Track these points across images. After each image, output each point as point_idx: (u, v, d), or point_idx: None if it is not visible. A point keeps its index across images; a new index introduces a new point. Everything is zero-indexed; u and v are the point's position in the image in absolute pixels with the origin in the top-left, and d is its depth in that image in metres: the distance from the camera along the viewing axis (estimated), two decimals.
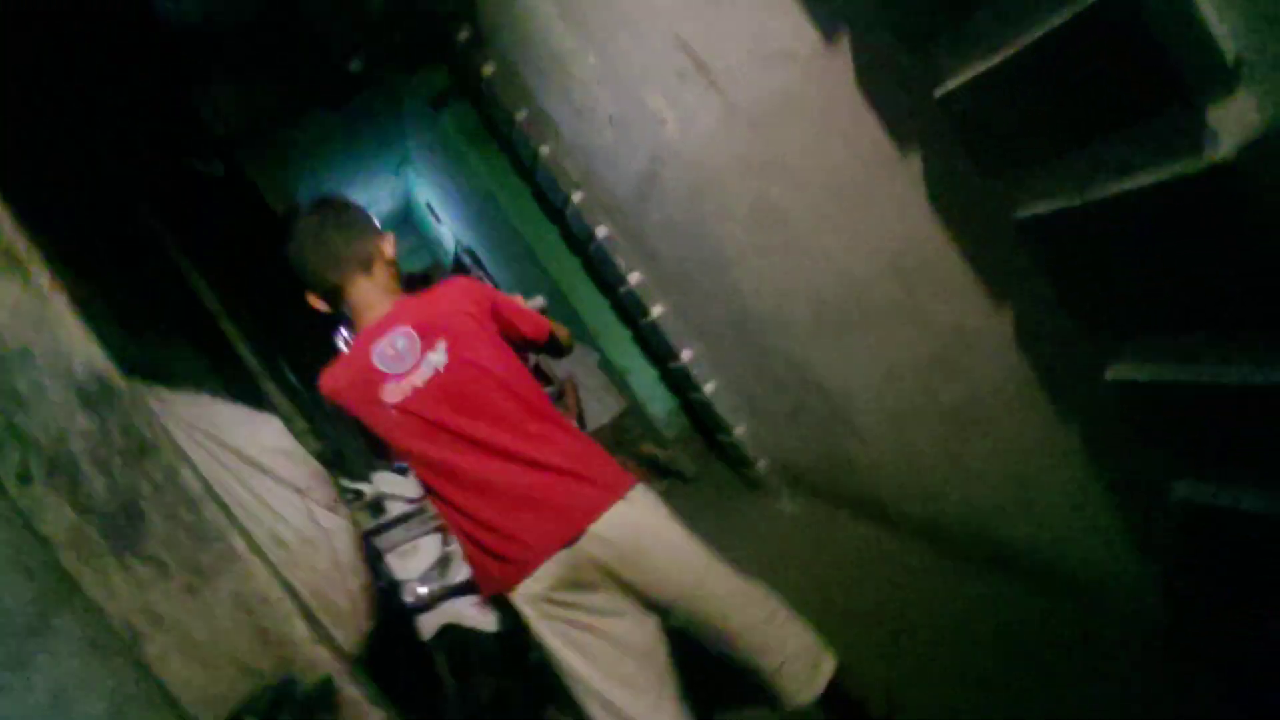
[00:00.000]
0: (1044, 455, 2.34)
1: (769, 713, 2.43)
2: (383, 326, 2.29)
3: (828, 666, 2.34)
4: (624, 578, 2.16)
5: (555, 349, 2.67)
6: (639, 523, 2.18)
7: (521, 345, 2.48)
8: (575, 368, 6.32)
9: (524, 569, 2.13)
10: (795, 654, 2.29)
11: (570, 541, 2.12)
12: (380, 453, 2.65)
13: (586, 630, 2.16)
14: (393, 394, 2.23)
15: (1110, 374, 1.73)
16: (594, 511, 2.13)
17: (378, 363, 2.25)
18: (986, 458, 2.64)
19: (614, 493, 2.18)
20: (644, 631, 2.22)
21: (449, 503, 2.25)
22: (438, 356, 2.22)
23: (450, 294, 2.34)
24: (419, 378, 2.22)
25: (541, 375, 6.20)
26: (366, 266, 2.36)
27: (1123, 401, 1.76)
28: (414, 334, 2.25)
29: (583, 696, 2.16)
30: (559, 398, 5.99)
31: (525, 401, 2.24)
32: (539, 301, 2.88)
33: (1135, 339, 1.66)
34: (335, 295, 2.38)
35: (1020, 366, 2.19)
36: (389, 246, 2.43)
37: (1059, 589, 2.64)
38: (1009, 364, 2.23)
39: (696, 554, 2.23)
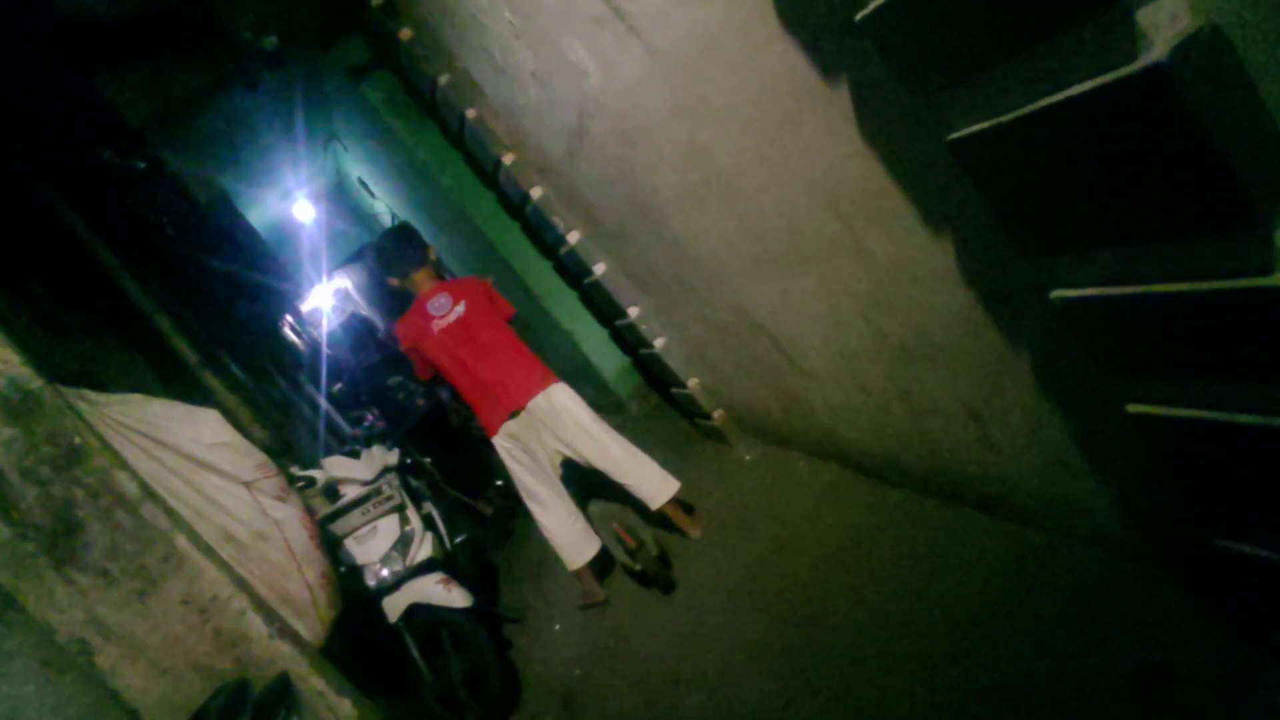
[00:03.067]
0: (995, 383, 2.32)
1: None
2: (432, 294, 4.30)
3: (670, 488, 4.05)
4: (548, 427, 4.12)
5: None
6: (553, 399, 4.09)
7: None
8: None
9: (499, 423, 4.11)
10: (648, 479, 4.05)
11: (521, 409, 4.10)
12: (421, 372, 4.52)
13: (524, 454, 4.15)
14: (438, 326, 4.18)
15: (1054, 295, 1.70)
16: (533, 394, 4.09)
17: (431, 310, 4.23)
18: (938, 390, 2.62)
19: (543, 385, 4.12)
20: (552, 459, 4.19)
21: (467, 386, 4.21)
22: (460, 309, 4.21)
23: (467, 283, 4.42)
24: (452, 318, 4.19)
25: None
26: (424, 263, 4.41)
27: (1069, 321, 1.73)
28: (450, 297, 4.26)
29: (520, 486, 4.24)
30: None
31: (505, 333, 4.25)
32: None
33: (1076, 255, 1.63)
34: (408, 279, 4.38)
35: (964, 295, 2.16)
36: (434, 254, 4.52)
37: (1021, 516, 2.64)
38: (953, 294, 2.19)
39: (588, 418, 4.11)
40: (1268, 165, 1.25)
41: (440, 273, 4.51)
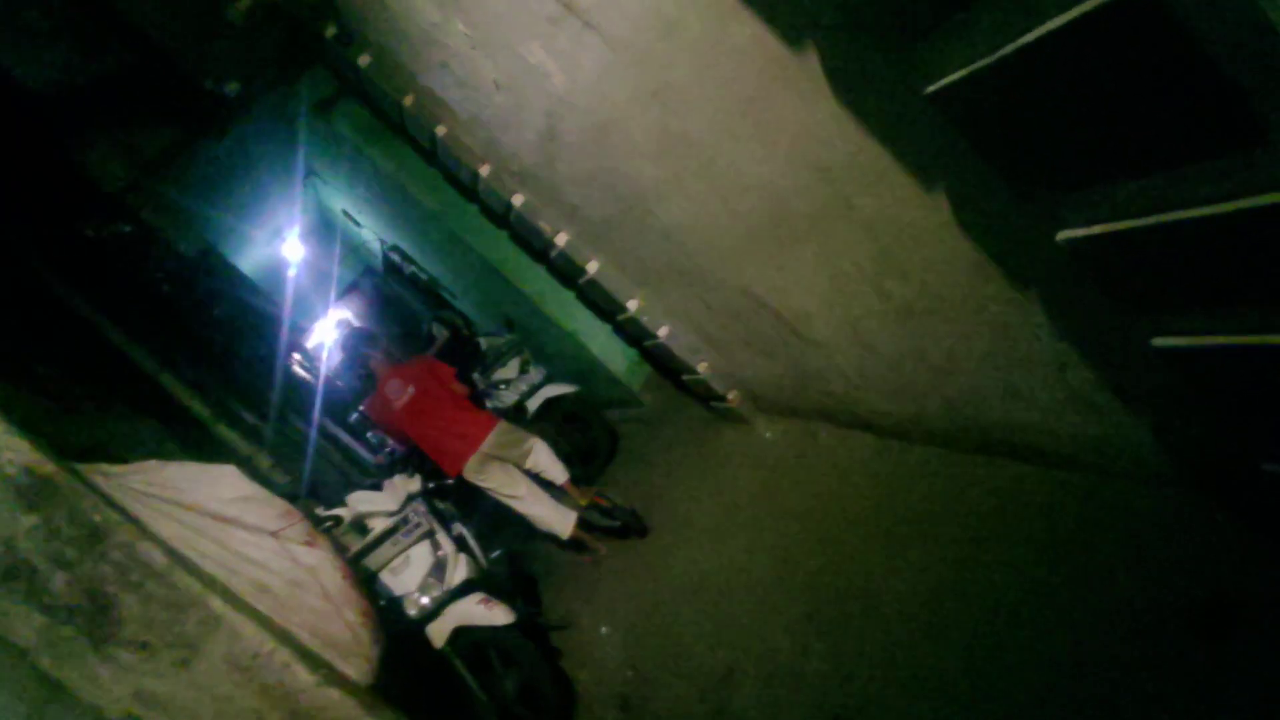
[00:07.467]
0: (1012, 332, 2.27)
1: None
2: (388, 378, 5.37)
3: (566, 473, 5.25)
4: (495, 457, 5.12)
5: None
6: (499, 437, 5.15)
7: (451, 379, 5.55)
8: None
9: (462, 463, 5.05)
10: (557, 470, 5.23)
11: (477, 450, 5.06)
12: (393, 440, 6.30)
13: (487, 476, 5.06)
14: (397, 405, 5.27)
15: (1060, 236, 1.65)
16: (481, 439, 5.09)
17: (389, 394, 5.31)
18: (953, 345, 2.58)
19: (488, 429, 5.14)
20: (514, 473, 5.16)
21: (429, 447, 5.24)
22: (411, 390, 5.29)
23: (415, 366, 5.52)
24: (406, 398, 5.27)
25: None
26: (376, 352, 5.56)
27: (1078, 261, 1.69)
28: (401, 381, 5.32)
29: (498, 499, 5.16)
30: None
31: (450, 397, 5.37)
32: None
33: (1074, 194, 1.59)
34: (367, 369, 5.54)
35: (967, 248, 2.12)
36: (382, 344, 5.76)
37: (1057, 461, 2.60)
38: (954, 247, 2.15)
39: (522, 439, 5.26)
40: (1273, 76, 1.21)
41: (391, 355, 5.73)
